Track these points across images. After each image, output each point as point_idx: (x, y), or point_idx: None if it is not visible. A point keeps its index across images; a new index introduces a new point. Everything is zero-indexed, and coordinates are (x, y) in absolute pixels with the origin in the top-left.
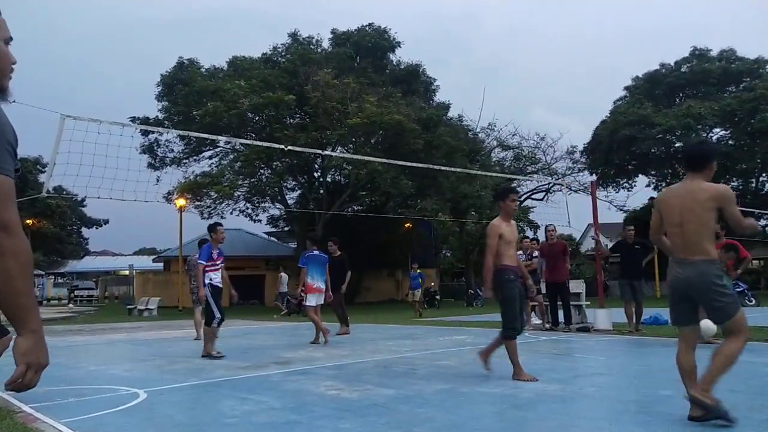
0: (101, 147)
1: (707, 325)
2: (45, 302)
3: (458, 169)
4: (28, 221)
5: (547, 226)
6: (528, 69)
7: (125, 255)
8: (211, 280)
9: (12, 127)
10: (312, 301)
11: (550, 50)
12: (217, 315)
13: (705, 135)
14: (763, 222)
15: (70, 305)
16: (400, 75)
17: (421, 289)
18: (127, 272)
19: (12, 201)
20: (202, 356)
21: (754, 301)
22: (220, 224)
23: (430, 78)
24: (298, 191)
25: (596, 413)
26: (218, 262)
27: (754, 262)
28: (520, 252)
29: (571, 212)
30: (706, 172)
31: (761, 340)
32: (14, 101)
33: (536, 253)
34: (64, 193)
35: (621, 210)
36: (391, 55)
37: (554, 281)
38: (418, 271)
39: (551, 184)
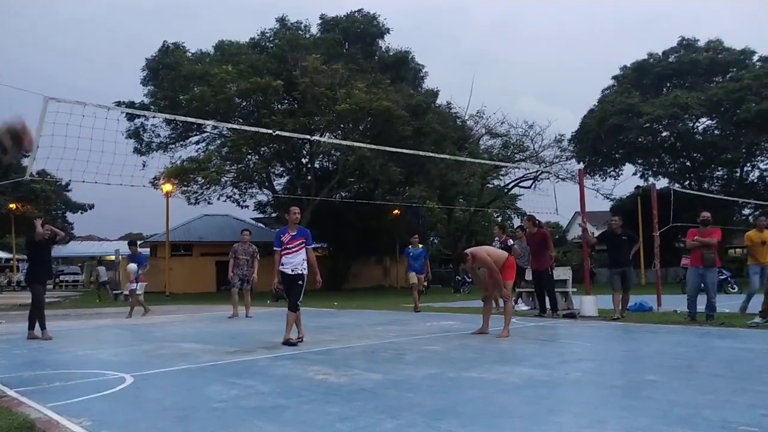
0: (86, 130)
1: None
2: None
3: (447, 156)
4: (11, 205)
5: (525, 218)
6: (516, 59)
7: (111, 240)
8: (283, 265)
9: None
10: (141, 289)
11: (537, 40)
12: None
13: (691, 125)
14: (747, 211)
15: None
16: (389, 62)
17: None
18: (113, 257)
19: None
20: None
21: (736, 289)
22: (293, 206)
23: (418, 65)
24: (286, 177)
25: (582, 398)
26: (290, 246)
27: (737, 250)
28: (496, 239)
29: (558, 200)
30: None
31: (743, 326)
32: None
33: (511, 242)
34: (48, 177)
35: (608, 198)
36: (380, 42)
37: (535, 269)
38: (421, 246)
39: (539, 172)
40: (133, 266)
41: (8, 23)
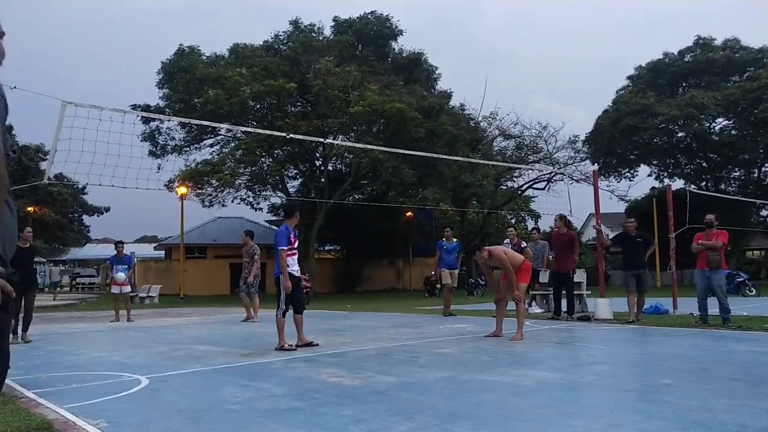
0: (102, 134)
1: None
2: (47, 289)
3: (460, 158)
4: (29, 208)
5: (556, 216)
6: (529, 58)
7: (126, 243)
8: (289, 266)
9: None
10: (116, 290)
11: (551, 39)
12: (282, 306)
13: (708, 125)
14: (765, 212)
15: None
16: (402, 63)
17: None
18: None
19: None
20: (276, 349)
21: (754, 291)
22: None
23: (431, 66)
24: (300, 180)
25: (596, 401)
26: (295, 246)
27: (755, 252)
28: (507, 240)
29: (572, 202)
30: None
31: (761, 330)
32: (15, 87)
33: (524, 245)
34: (66, 180)
35: (622, 200)
36: (392, 43)
37: (556, 271)
38: (455, 240)
39: (553, 174)
40: (121, 275)
41: (24, 26)
